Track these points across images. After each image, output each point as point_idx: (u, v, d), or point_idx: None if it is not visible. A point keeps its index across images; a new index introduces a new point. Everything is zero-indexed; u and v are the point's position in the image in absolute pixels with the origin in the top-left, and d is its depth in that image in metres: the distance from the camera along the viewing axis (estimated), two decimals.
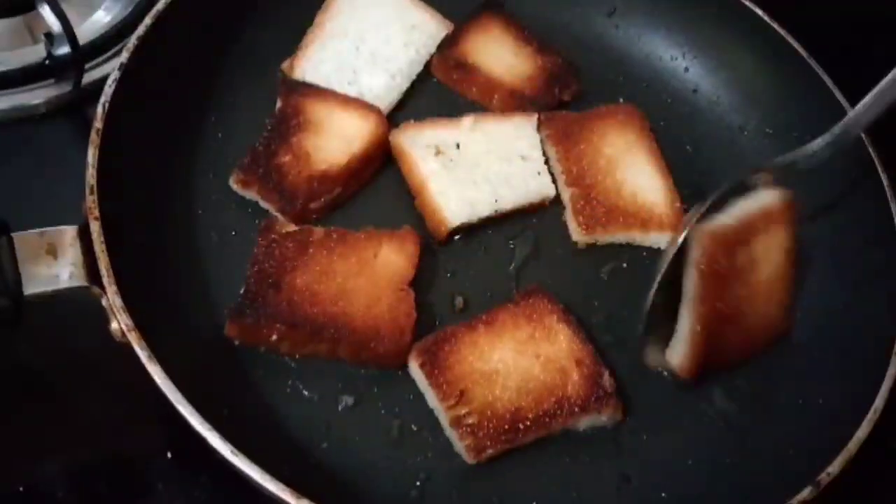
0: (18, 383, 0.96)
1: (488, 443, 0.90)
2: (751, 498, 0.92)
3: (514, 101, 1.18)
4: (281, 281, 0.94)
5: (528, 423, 0.91)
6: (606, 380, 0.95)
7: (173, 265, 0.98)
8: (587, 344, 0.97)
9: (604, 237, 1.10)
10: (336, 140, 1.07)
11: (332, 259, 0.97)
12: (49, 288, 0.83)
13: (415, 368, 0.94)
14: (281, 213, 1.03)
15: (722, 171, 1.17)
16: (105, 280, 0.83)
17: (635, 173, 1.14)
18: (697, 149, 1.23)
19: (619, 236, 1.11)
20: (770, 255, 1.02)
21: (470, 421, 0.90)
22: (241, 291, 0.94)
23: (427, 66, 1.20)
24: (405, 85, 1.17)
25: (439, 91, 1.21)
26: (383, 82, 1.15)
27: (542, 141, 1.16)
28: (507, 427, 0.90)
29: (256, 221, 1.02)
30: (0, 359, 0.96)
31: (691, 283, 0.98)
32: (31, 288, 0.82)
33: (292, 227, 1.00)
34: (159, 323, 0.84)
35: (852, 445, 0.88)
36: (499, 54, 1.21)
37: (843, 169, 1.13)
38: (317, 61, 1.14)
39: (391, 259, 0.99)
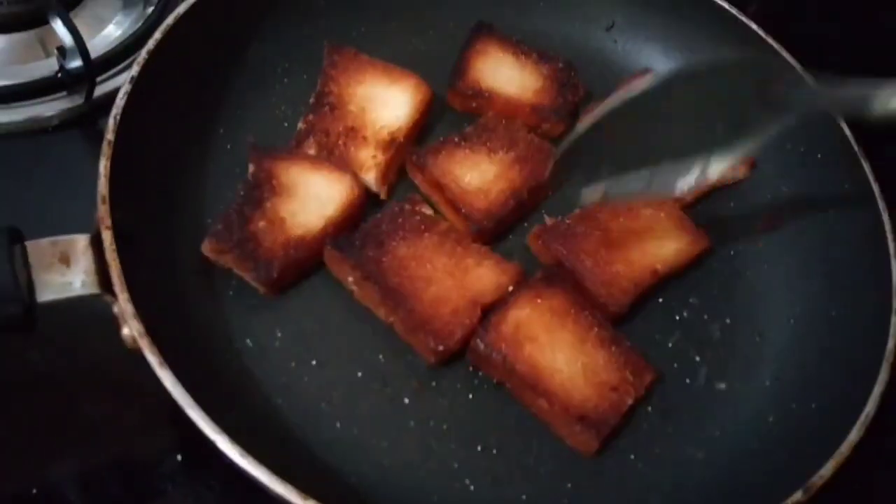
0: (32, 388, 0.98)
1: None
2: (743, 500, 0.93)
3: (536, 116, 1.19)
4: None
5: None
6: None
7: (183, 273, 0.99)
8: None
9: None
10: (311, 204, 1.03)
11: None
12: (62, 295, 0.84)
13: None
14: (255, 282, 0.99)
15: None
16: (116, 287, 0.84)
17: None
18: None
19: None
20: (656, 227, 1.09)
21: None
22: None
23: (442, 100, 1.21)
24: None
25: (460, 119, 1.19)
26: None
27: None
28: None
29: None
30: (14, 364, 0.98)
31: None
32: (44, 295, 0.83)
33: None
34: (170, 329, 0.85)
35: (844, 448, 0.89)
36: (508, 73, 1.23)
37: (836, 179, 1.15)
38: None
39: (483, 274, 1.02)
